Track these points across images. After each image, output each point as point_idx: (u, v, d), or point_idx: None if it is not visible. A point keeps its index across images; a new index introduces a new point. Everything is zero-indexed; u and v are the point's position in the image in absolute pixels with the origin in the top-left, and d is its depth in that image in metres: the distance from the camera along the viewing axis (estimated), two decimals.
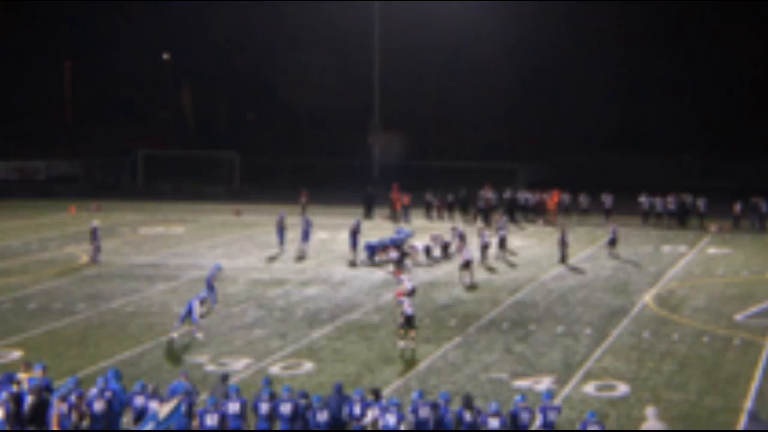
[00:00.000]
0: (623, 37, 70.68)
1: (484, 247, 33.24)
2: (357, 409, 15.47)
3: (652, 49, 70.06)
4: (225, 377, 17.24)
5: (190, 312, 23.09)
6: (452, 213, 45.29)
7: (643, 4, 68.77)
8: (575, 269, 32.19)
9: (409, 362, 21.38)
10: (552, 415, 15.32)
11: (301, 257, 34.16)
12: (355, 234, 33.86)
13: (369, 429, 15.17)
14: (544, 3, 67.35)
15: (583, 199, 44.51)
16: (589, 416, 15.05)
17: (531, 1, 65.74)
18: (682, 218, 41.82)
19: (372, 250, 32.94)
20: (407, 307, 22.35)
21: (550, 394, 16.25)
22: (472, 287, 29.18)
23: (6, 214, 46.48)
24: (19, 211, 48.04)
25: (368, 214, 44.73)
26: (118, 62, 76.27)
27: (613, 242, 34.66)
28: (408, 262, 32.38)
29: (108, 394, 15.73)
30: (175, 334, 23.22)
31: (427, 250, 33.64)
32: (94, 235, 32.85)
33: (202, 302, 23.64)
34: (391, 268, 30.93)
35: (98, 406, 15.52)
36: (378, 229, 39.99)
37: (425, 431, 15.15)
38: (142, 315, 25.82)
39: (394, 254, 31.98)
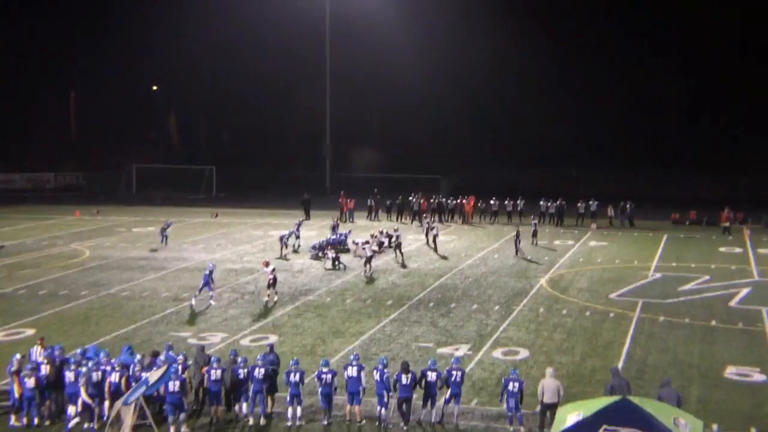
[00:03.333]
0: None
1: (435, 237, 34.53)
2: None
3: (544, 63, 70.49)
4: (202, 348, 17.08)
5: (207, 284, 23.99)
6: (389, 214, 45.33)
7: None
8: (486, 259, 32.49)
9: (355, 334, 21.37)
10: (457, 375, 15.41)
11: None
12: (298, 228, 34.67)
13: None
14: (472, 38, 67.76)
15: (494, 203, 44.66)
16: (512, 372, 15.29)
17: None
18: (560, 218, 42.31)
19: (315, 249, 32.62)
20: (270, 275, 24.35)
21: (458, 360, 16.31)
22: (405, 275, 29.26)
23: (21, 218, 45.16)
24: (32, 214, 46.71)
25: (307, 215, 44.43)
26: (114, 92, 75.01)
27: (534, 234, 35.15)
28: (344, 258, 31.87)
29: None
30: (193, 301, 24.05)
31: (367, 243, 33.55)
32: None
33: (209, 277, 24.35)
34: (328, 264, 30.06)
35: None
36: (323, 229, 39.89)
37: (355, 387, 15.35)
38: (136, 299, 25.35)
39: (331, 253, 30.61)
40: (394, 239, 33.26)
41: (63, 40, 71.88)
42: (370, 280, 28.17)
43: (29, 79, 72.79)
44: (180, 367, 15.51)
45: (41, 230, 40.32)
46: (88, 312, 23.69)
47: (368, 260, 29.11)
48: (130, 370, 15.56)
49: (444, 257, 32.77)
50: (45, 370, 15.65)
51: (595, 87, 70.91)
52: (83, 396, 15.05)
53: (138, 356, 16.02)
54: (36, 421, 15.39)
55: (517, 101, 72.15)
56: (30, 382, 15.25)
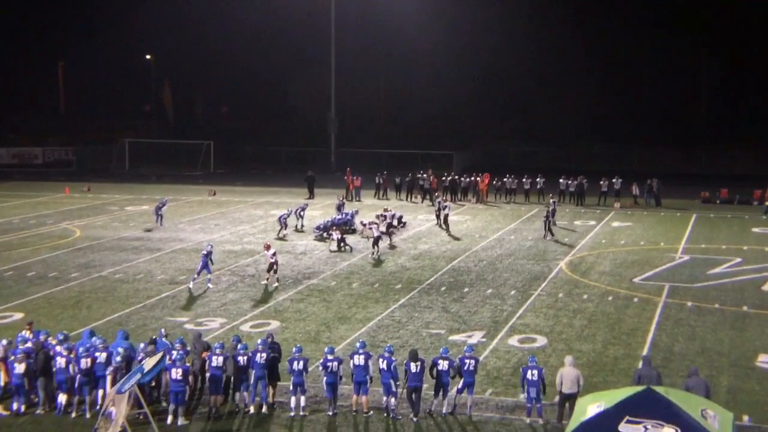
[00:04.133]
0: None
1: (446, 216, 34.75)
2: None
3: (560, 46, 70.02)
4: (199, 335, 17.14)
5: (205, 266, 24.20)
6: (399, 193, 45.30)
7: None
8: (501, 240, 32.43)
9: (362, 320, 21.41)
10: (470, 364, 15.40)
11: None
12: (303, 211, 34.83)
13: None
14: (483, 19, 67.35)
15: (510, 180, 44.47)
16: (530, 360, 15.29)
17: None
18: (581, 197, 42.17)
19: (319, 229, 32.64)
20: (271, 258, 24.68)
21: (471, 348, 16.28)
22: (415, 257, 29.27)
23: (7, 195, 45.34)
24: (19, 191, 46.90)
25: (311, 194, 44.48)
26: (106, 62, 74.97)
27: (553, 213, 34.37)
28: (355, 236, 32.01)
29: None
30: (191, 284, 24.23)
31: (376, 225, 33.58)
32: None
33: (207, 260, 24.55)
34: (333, 246, 30.09)
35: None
36: (327, 208, 39.89)
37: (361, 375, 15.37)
38: (129, 281, 25.46)
39: (336, 234, 30.56)
40: (389, 219, 33.24)
41: (50, 7, 71.76)
42: (378, 262, 28.20)
43: (14, 48, 72.79)
44: (182, 354, 15.58)
45: (29, 208, 40.48)
46: (79, 295, 23.82)
47: (376, 241, 29.11)
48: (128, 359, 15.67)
49: (456, 238, 32.74)
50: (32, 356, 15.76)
51: (619, 58, 70.41)
52: (108, 385, 15.00)
53: (142, 345, 16.05)
54: (23, 408, 15.51)
55: (535, 72, 71.82)
56: (20, 368, 15.36)
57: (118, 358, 15.43)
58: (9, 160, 60.82)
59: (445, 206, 35.61)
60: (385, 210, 34.90)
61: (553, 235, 32.62)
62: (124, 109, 79.34)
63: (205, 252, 24.72)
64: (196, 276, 24.61)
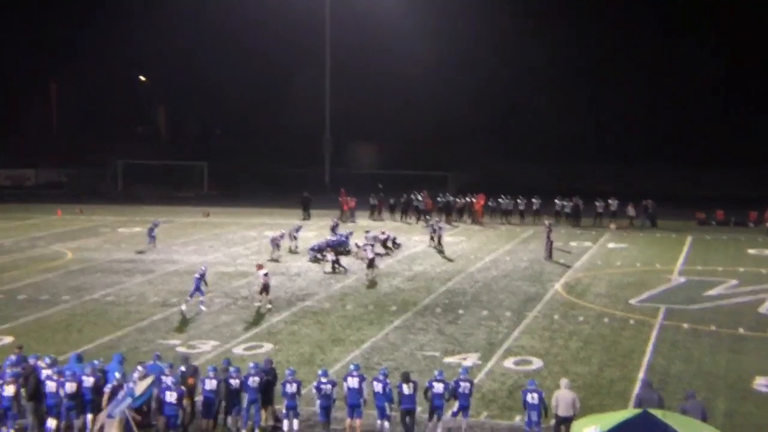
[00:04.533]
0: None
1: (440, 237, 34.98)
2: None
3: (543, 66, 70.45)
4: (186, 358, 17.07)
5: (198, 288, 24.15)
6: (393, 214, 45.34)
7: None
8: (497, 262, 32.44)
9: (356, 342, 21.36)
10: (465, 387, 15.33)
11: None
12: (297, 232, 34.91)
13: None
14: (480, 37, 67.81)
15: (506, 201, 44.49)
16: (529, 383, 15.25)
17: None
18: (577, 218, 42.28)
19: (314, 251, 32.64)
20: (263, 278, 24.53)
21: (466, 370, 16.20)
22: (410, 278, 29.26)
23: None
24: (11, 213, 46.78)
25: (306, 215, 44.58)
26: (99, 83, 75.16)
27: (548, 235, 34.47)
28: (351, 258, 32.10)
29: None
30: (184, 307, 24.10)
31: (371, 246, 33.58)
32: None
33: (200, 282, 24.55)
34: (327, 268, 30.09)
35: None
36: (322, 229, 39.91)
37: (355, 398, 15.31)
38: (121, 304, 25.38)
39: (330, 255, 30.58)
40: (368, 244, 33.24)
41: (43, 27, 72.04)
42: (372, 284, 28.17)
43: (7, 68, 72.92)
44: (177, 378, 15.51)
45: (21, 230, 40.39)
46: (70, 318, 23.72)
47: (370, 263, 29.10)
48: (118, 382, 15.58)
49: (450, 260, 32.75)
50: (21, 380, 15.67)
51: (614, 78, 70.81)
52: (127, 412, 14.77)
53: (136, 373, 15.92)
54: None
55: (529, 93, 72.14)
56: (9, 391, 15.26)
57: (115, 382, 15.29)
58: (1, 181, 60.79)
59: (440, 227, 35.68)
60: (382, 233, 34.92)
61: (551, 256, 32.59)
62: (117, 130, 79.40)
63: (198, 274, 24.68)
64: (188, 298, 24.55)
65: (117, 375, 15.53)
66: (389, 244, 34.35)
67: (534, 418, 14.78)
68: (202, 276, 24.63)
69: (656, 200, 43.03)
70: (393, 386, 15.43)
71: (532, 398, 14.82)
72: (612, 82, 70.74)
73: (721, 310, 24.79)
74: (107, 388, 15.17)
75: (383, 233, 34.90)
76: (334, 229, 35.96)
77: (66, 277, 29.23)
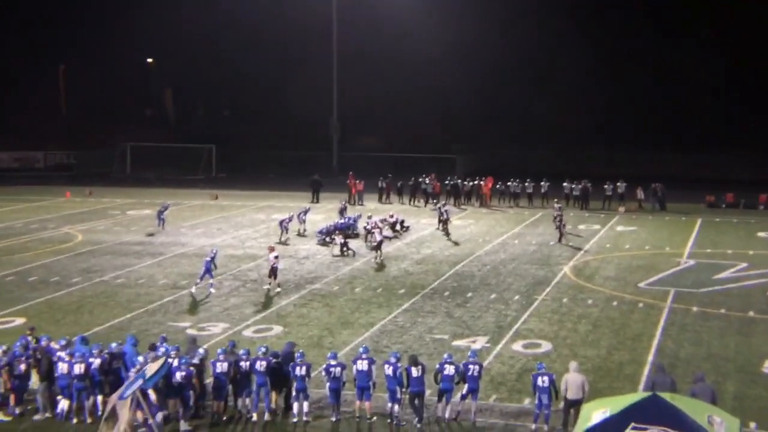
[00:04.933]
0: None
1: (446, 221, 34.93)
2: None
3: (565, 45, 69.97)
4: (193, 340, 17.18)
5: (207, 271, 24.20)
6: (401, 197, 45.32)
7: None
8: (505, 245, 32.42)
9: (365, 325, 21.42)
10: (474, 370, 15.38)
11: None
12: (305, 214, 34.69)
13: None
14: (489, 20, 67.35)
15: (513, 185, 44.39)
16: (538, 366, 15.30)
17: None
18: (585, 201, 42.21)
19: (322, 234, 32.63)
20: (273, 261, 24.51)
21: (475, 353, 16.27)
22: (418, 261, 29.28)
23: (9, 199, 45.46)
24: (20, 195, 47.02)
25: (315, 198, 44.61)
26: (107, 65, 75.13)
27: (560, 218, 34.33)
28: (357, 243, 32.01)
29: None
30: (193, 289, 24.26)
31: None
32: None
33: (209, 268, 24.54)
34: (336, 251, 30.09)
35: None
36: (330, 212, 39.93)
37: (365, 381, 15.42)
38: (131, 286, 25.50)
39: (339, 239, 30.63)
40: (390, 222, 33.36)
41: (51, 10, 71.96)
42: (381, 267, 28.21)
43: (15, 50, 72.92)
44: (187, 358, 15.66)
45: (30, 212, 40.57)
46: (80, 300, 23.86)
47: (378, 246, 29.12)
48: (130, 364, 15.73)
49: (458, 243, 32.74)
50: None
51: (623, 60, 70.32)
52: (151, 394, 14.77)
53: (148, 354, 16.02)
54: (17, 410, 15.57)
55: (539, 75, 71.77)
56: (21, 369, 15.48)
57: (138, 366, 15.36)
58: (10, 164, 60.99)
59: (446, 210, 35.67)
60: (390, 216, 34.94)
61: (562, 239, 32.49)
62: (126, 112, 79.46)
63: (208, 257, 24.76)
64: (198, 281, 24.64)
65: (140, 359, 15.65)
66: (398, 227, 34.35)
67: (545, 401, 14.82)
68: (212, 259, 24.71)
69: (665, 183, 42.85)
70: (403, 370, 15.46)
71: (543, 381, 14.86)
72: (621, 67, 70.25)
73: (730, 293, 24.73)
74: (132, 372, 15.23)
75: (391, 216, 34.91)
76: (342, 212, 35.97)
77: (76, 259, 29.38)
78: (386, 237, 31.33)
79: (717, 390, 14.91)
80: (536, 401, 15.01)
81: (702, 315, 22.35)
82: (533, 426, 14.99)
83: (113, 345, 16.33)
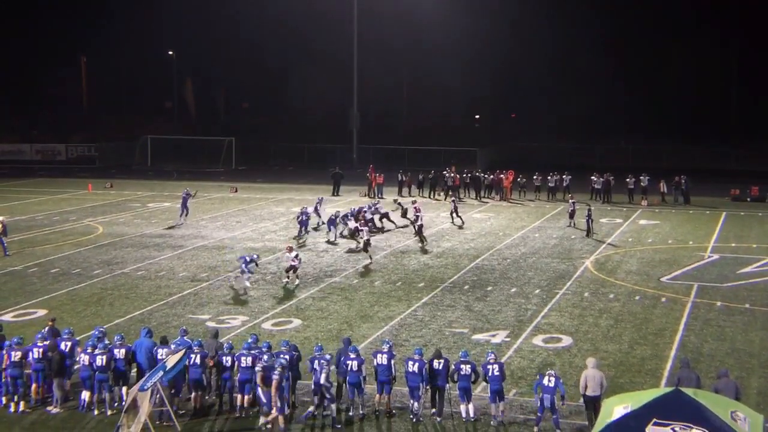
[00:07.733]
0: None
1: (452, 211, 35.30)
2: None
3: (587, 49, 69.64)
4: (216, 333, 17.22)
5: (247, 264, 24.37)
6: (422, 190, 45.21)
7: None
8: (526, 238, 32.29)
9: (384, 319, 21.43)
10: (494, 369, 15.12)
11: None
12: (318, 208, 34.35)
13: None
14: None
15: (535, 178, 44.09)
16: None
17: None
18: (608, 194, 41.92)
19: (348, 217, 32.38)
20: (292, 261, 24.64)
21: (492, 353, 15.83)
22: (438, 255, 29.22)
23: (31, 191, 45.94)
24: (42, 188, 47.49)
25: (336, 191, 44.62)
26: (128, 58, 75.64)
27: (572, 214, 34.35)
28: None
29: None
30: (233, 282, 24.62)
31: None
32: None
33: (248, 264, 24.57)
34: (354, 245, 29.96)
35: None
36: (350, 205, 39.93)
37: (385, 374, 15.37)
38: (152, 278, 25.68)
39: (365, 234, 29.54)
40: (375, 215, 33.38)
41: (72, 2, 72.50)
42: (399, 262, 28.15)
43: (37, 43, 73.57)
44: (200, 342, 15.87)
45: (52, 205, 40.98)
46: (101, 292, 24.07)
47: (366, 245, 28.40)
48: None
49: (460, 227, 32.62)
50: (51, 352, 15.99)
51: (647, 53, 69.75)
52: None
53: (170, 347, 16.10)
54: (22, 405, 15.74)
55: (560, 68, 71.36)
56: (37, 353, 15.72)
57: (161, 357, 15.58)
58: (32, 156, 61.68)
59: (452, 200, 36.07)
60: (413, 202, 34.87)
61: (590, 234, 32.27)
62: (146, 105, 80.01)
63: (247, 257, 24.69)
64: (239, 275, 24.57)
65: (163, 351, 15.77)
66: (409, 215, 34.41)
67: (546, 403, 14.32)
68: (252, 260, 24.65)
69: (689, 176, 42.45)
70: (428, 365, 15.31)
71: (549, 381, 14.38)
72: (645, 59, 69.71)
73: (755, 287, 24.46)
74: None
75: (414, 202, 34.89)
76: (316, 209, 34.92)
77: (97, 251, 29.63)
78: (372, 233, 30.58)
79: (741, 385, 14.75)
80: (538, 403, 14.51)
81: (726, 310, 22.14)
82: (535, 429, 14.58)
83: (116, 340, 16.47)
